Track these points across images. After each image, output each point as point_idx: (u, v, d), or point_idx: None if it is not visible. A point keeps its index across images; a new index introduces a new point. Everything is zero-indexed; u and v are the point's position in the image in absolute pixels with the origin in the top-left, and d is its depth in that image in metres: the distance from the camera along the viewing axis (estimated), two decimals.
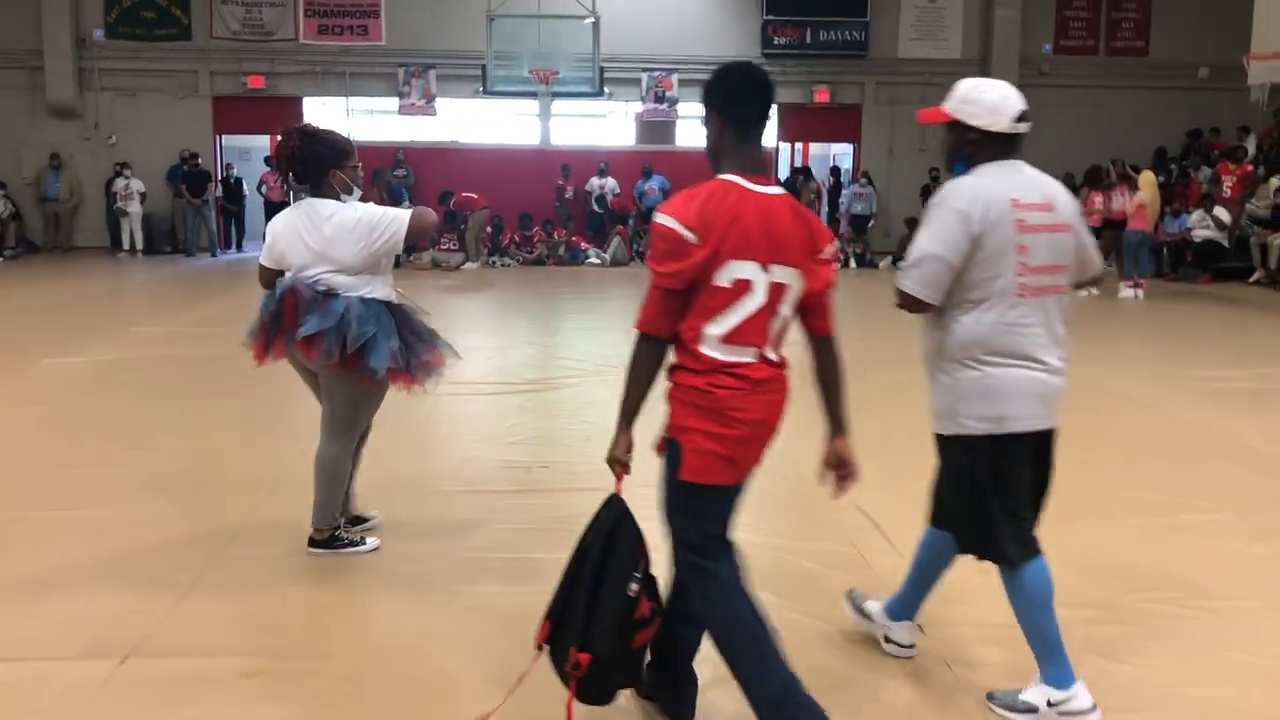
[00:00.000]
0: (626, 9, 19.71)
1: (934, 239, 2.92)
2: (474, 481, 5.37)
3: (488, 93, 19.37)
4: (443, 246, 17.49)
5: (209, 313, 11.88)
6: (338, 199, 4.12)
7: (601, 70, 19.22)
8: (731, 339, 2.69)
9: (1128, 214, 14.11)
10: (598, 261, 18.47)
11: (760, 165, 2.80)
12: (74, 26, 19.58)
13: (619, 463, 2.81)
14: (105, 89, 20.05)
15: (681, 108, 20.54)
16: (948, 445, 3.10)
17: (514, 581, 4.08)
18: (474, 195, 17.66)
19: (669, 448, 2.77)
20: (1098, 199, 14.19)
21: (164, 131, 19.82)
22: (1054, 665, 3.02)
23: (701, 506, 2.77)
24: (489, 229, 18.28)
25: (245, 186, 20.07)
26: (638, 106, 20.67)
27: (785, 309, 2.78)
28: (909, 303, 3.03)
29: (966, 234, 2.88)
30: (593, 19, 18.65)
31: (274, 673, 3.28)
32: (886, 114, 20.85)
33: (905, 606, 3.44)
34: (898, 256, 18.40)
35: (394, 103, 20.16)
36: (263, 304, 4.18)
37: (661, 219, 2.67)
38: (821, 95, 20.58)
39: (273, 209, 19.51)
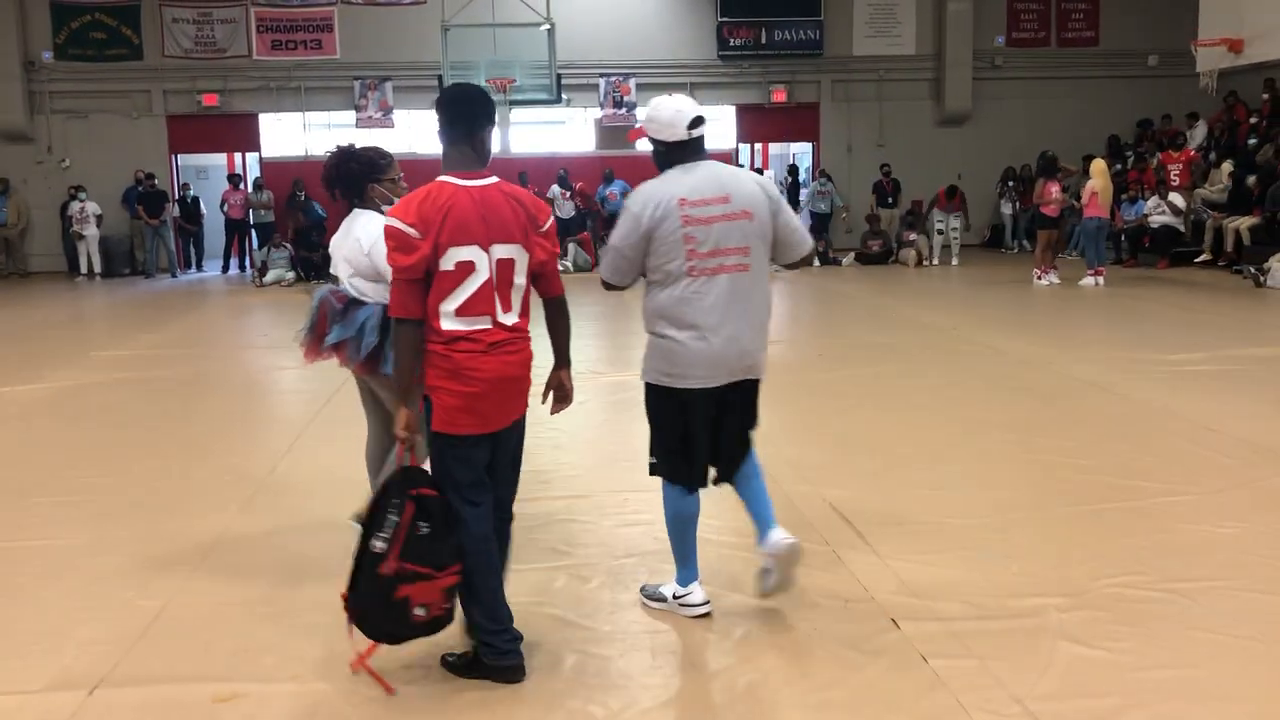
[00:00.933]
0: (581, 15, 19.69)
1: (616, 235, 3.63)
2: None
3: None
4: None
5: (170, 335, 11.76)
6: (380, 211, 4.27)
7: (559, 77, 19.18)
8: (464, 311, 3.18)
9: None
10: (561, 269, 18.41)
11: (478, 163, 3.30)
12: (22, 49, 19.30)
13: (399, 439, 3.23)
14: (56, 111, 19.78)
15: (640, 112, 20.55)
16: (646, 389, 3.72)
17: None
18: None
19: (425, 405, 3.24)
20: (1054, 189, 14.32)
21: (118, 153, 19.58)
22: (682, 569, 3.79)
23: (455, 453, 3.25)
24: None
25: (203, 206, 19.87)
26: (596, 112, 20.65)
27: (518, 279, 3.28)
28: (605, 285, 3.78)
29: (638, 231, 3.52)
30: (548, 26, 18.61)
31: (249, 697, 3.25)
32: (844, 112, 20.96)
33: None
34: (860, 253, 18.52)
35: (351, 116, 20.03)
36: (310, 310, 4.43)
37: (389, 221, 3.18)
38: (779, 95, 20.65)
39: (234, 227, 19.37)
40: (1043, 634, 3.54)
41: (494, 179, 3.30)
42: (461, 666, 3.37)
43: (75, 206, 18.75)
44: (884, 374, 8.24)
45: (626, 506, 4.89)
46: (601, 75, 20.30)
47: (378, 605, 3.15)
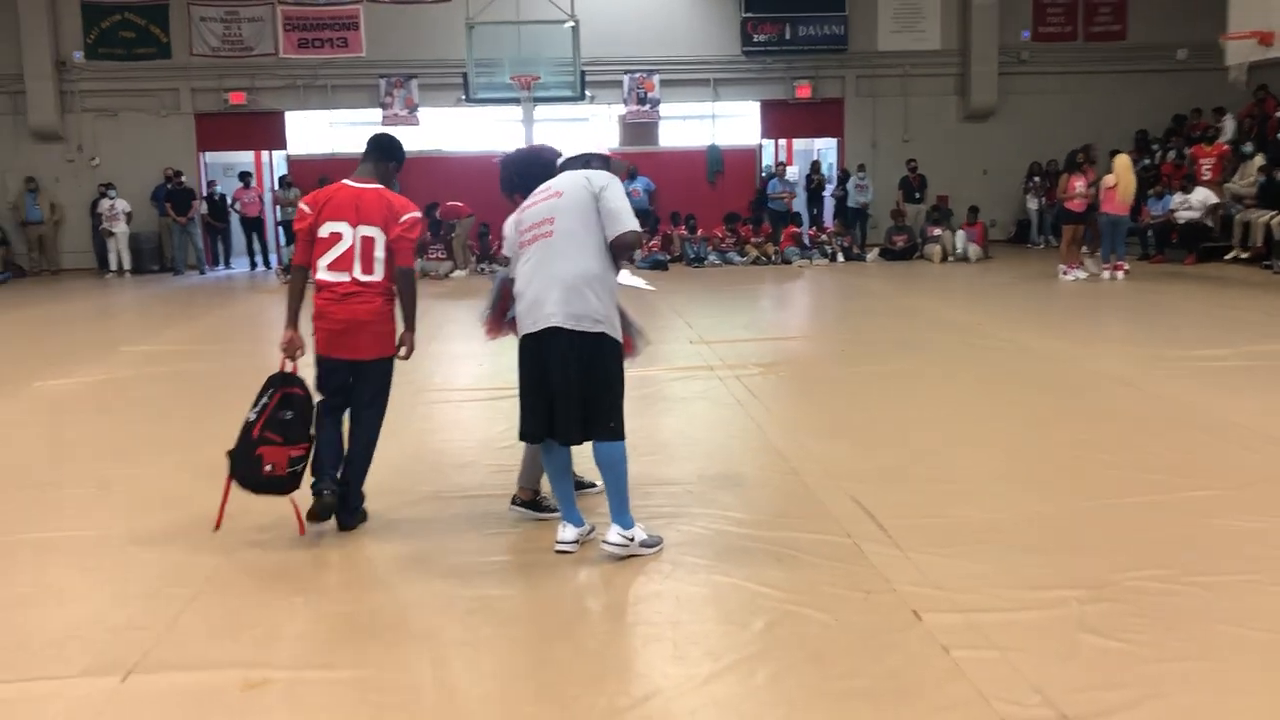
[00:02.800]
0: (606, 12, 19.72)
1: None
2: (468, 488, 5.39)
3: (470, 100, 19.37)
4: (431, 255, 17.51)
5: (198, 330, 11.89)
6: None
7: (583, 74, 19.23)
8: (332, 267, 4.61)
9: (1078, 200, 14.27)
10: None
11: (372, 177, 4.83)
12: (54, 49, 19.54)
13: (282, 351, 4.69)
14: (87, 110, 20.02)
15: (664, 108, 20.58)
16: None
17: (511, 584, 4.12)
18: (460, 204, 17.72)
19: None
20: (1078, 183, 14.22)
21: (147, 150, 19.80)
22: (566, 508, 4.43)
23: (320, 369, 4.71)
24: (475, 236, 18.31)
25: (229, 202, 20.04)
26: (620, 109, 20.68)
27: (377, 251, 4.62)
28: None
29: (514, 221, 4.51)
30: (572, 23, 18.67)
31: (278, 683, 3.30)
32: (868, 107, 20.91)
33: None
34: (885, 249, 18.48)
35: (377, 114, 20.14)
36: (492, 291, 5.01)
37: (300, 202, 4.85)
38: (803, 91, 20.61)
39: (250, 225, 19.53)
40: (1064, 626, 3.55)
41: (377, 185, 4.77)
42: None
43: (105, 204, 18.98)
44: (907, 369, 8.24)
45: (650, 500, 4.92)
46: (625, 72, 20.33)
47: (241, 456, 4.53)
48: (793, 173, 20.96)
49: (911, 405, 6.97)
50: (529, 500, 4.84)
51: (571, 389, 4.19)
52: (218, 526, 4.68)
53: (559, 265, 4.20)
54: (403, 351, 4.77)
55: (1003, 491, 5.06)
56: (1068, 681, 3.16)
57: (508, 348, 5.23)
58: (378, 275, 4.62)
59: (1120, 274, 13.83)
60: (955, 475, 5.34)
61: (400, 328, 4.76)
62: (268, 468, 4.50)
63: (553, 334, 4.17)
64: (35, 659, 3.52)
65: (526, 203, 4.42)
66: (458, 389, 7.90)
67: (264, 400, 4.61)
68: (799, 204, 20.21)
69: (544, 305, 4.19)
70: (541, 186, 4.41)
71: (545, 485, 4.73)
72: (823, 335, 10.83)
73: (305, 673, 3.38)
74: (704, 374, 8.16)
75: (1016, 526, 4.55)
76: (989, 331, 9.88)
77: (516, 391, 4.43)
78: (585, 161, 4.48)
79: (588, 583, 4.12)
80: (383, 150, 4.91)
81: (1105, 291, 13.05)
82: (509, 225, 4.57)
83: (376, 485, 4.96)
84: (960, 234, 17.73)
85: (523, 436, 4.45)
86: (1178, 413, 6.51)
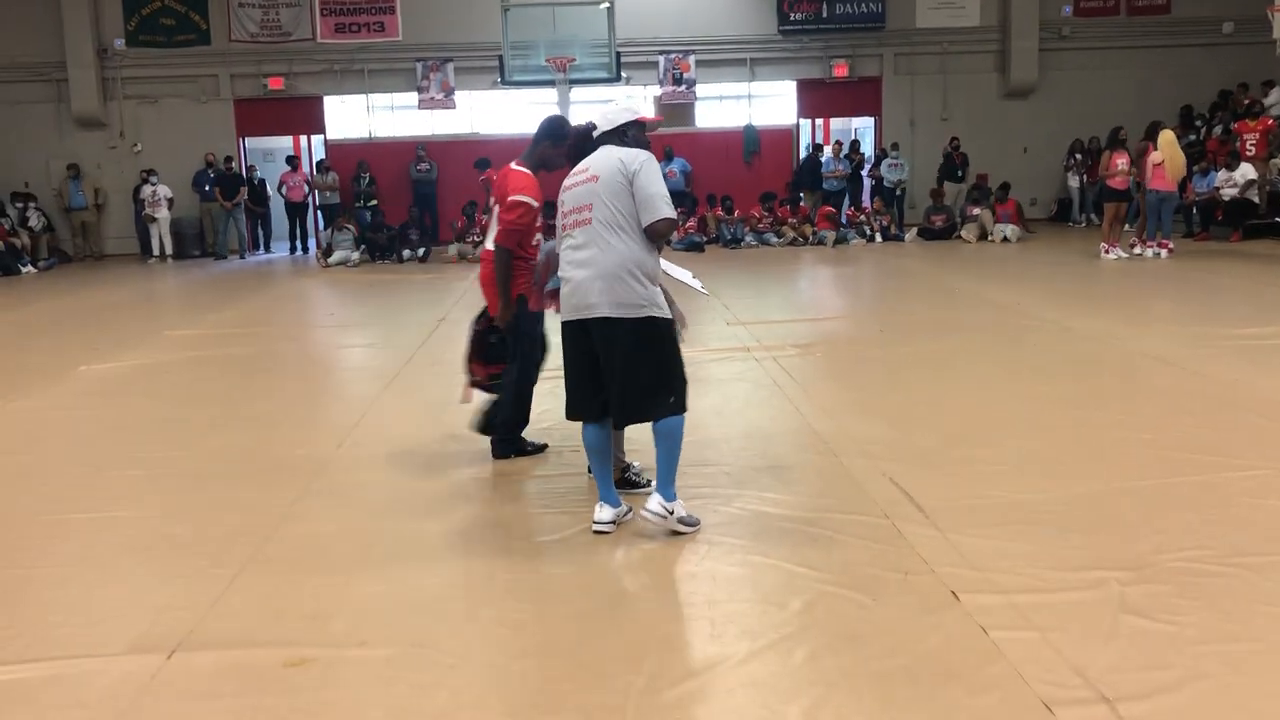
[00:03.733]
0: None
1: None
2: (507, 467, 5.42)
3: (505, 83, 19.39)
4: (469, 240, 17.61)
5: (240, 314, 12.02)
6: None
7: (618, 55, 19.18)
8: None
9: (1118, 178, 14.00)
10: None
11: (524, 158, 5.26)
12: (95, 37, 19.78)
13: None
14: (129, 97, 20.26)
15: (700, 89, 20.48)
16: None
17: (550, 564, 4.13)
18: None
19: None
20: (1120, 160, 13.97)
21: (188, 136, 20.00)
22: (604, 489, 4.45)
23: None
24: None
25: (269, 188, 20.22)
26: (656, 90, 20.61)
27: (493, 225, 5.23)
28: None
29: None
30: (607, 4, 18.61)
31: (319, 661, 3.35)
32: (906, 85, 20.71)
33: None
34: (923, 228, 18.31)
35: (413, 98, 20.22)
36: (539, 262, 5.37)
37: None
38: (840, 69, 20.44)
39: (294, 210, 19.69)
40: (1105, 607, 3.51)
41: (521, 167, 5.22)
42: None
43: (147, 190, 19.19)
44: (946, 349, 8.17)
45: (687, 481, 4.92)
46: (661, 53, 20.25)
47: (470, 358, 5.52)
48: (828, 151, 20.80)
49: (949, 386, 6.92)
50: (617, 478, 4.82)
51: (624, 373, 4.22)
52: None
53: (600, 255, 4.22)
54: (497, 320, 5.24)
55: (1042, 472, 5.01)
56: (1109, 663, 3.13)
57: (547, 330, 5.27)
58: (488, 242, 5.33)
59: (1165, 252, 13.62)
60: (994, 456, 5.30)
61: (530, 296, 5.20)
62: (477, 376, 5.55)
63: (599, 323, 4.23)
64: (80, 637, 3.58)
65: (566, 182, 4.43)
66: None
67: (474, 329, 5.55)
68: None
69: (588, 295, 4.23)
70: (580, 166, 4.40)
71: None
72: (860, 316, 10.76)
73: (346, 651, 3.42)
74: (741, 355, 8.14)
75: (1056, 507, 4.51)
76: (1029, 311, 9.77)
77: (561, 372, 4.49)
78: (621, 132, 4.44)
79: (625, 562, 4.13)
80: (538, 131, 5.28)
81: (1149, 270, 12.86)
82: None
83: (411, 467, 5.00)
84: (993, 216, 17.49)
85: (570, 417, 4.51)
86: (1222, 392, 6.41)
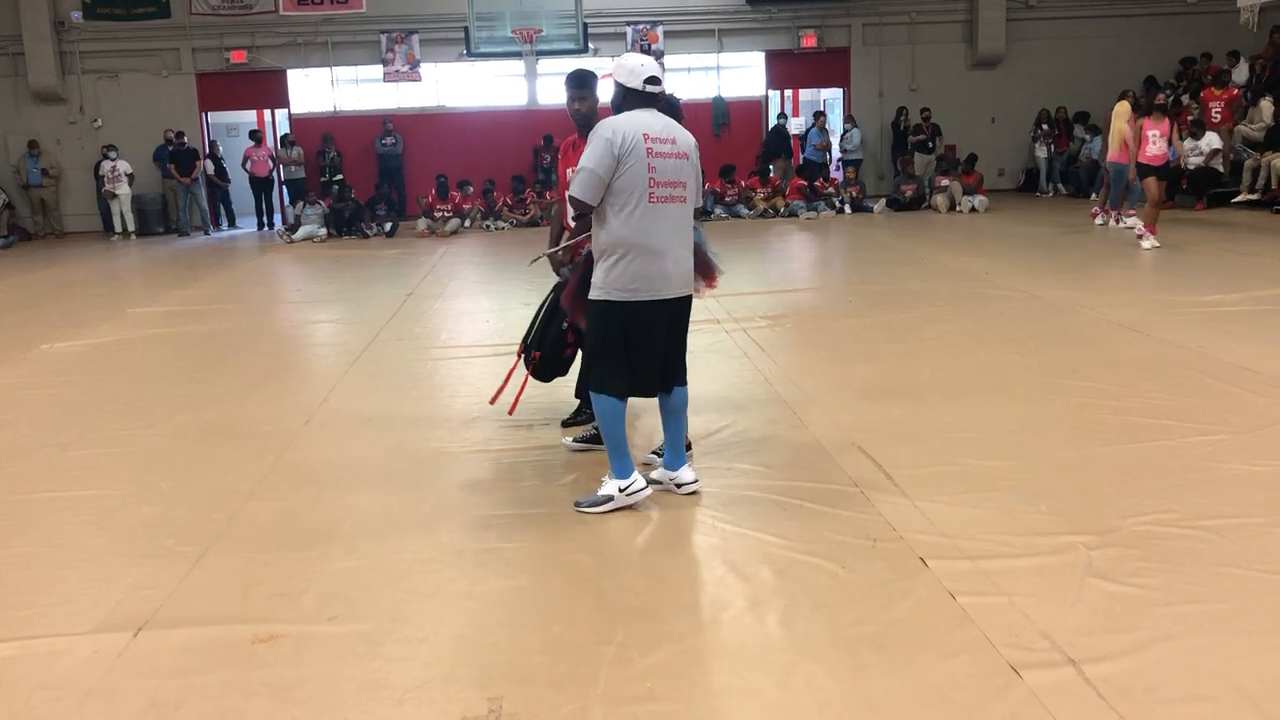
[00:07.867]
0: None
1: (589, 158, 4.07)
2: (476, 441, 5.41)
3: (471, 55, 19.21)
4: (438, 214, 17.52)
5: (204, 290, 11.89)
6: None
7: (585, 26, 19.04)
8: None
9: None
10: None
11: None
12: (51, 10, 19.38)
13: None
14: (87, 71, 19.90)
15: (668, 60, 20.36)
16: (594, 307, 4.24)
17: (519, 538, 4.12)
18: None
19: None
20: (1153, 129, 11.85)
21: (149, 111, 19.70)
22: (623, 462, 4.28)
23: None
24: (481, 194, 18.28)
25: (226, 164, 19.94)
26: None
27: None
28: (574, 202, 4.16)
29: (611, 154, 4.05)
30: None
31: (289, 637, 3.33)
32: (875, 56, 20.69)
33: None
34: (892, 199, 18.35)
35: (378, 70, 19.99)
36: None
37: None
38: (809, 40, 20.38)
39: (259, 186, 19.46)
40: (1071, 571, 3.55)
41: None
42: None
43: (107, 166, 18.89)
44: (914, 319, 8.21)
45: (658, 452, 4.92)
46: (629, 24, 20.12)
47: (559, 359, 5.26)
48: (796, 124, 20.77)
49: (918, 355, 6.95)
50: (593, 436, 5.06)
51: (667, 346, 4.35)
52: (511, 412, 5.46)
53: (687, 235, 4.29)
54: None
55: (1009, 439, 5.05)
56: (1075, 626, 3.16)
57: (515, 304, 5.23)
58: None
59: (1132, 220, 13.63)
60: (962, 424, 5.33)
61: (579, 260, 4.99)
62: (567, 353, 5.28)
63: (681, 300, 4.31)
64: (47, 616, 3.55)
65: (648, 147, 4.09)
66: (464, 345, 7.89)
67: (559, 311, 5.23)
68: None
69: (674, 276, 4.22)
70: (659, 133, 4.16)
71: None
72: (828, 285, 10.78)
73: (316, 626, 3.40)
74: (711, 327, 8.14)
75: (1023, 473, 4.55)
76: (997, 280, 9.82)
77: (594, 347, 4.37)
78: (671, 104, 4.45)
79: (596, 535, 4.13)
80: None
81: (1114, 239, 12.95)
82: (605, 155, 4.09)
83: (380, 442, 4.96)
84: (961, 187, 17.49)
85: (635, 395, 4.39)
86: (1186, 358, 6.48)
